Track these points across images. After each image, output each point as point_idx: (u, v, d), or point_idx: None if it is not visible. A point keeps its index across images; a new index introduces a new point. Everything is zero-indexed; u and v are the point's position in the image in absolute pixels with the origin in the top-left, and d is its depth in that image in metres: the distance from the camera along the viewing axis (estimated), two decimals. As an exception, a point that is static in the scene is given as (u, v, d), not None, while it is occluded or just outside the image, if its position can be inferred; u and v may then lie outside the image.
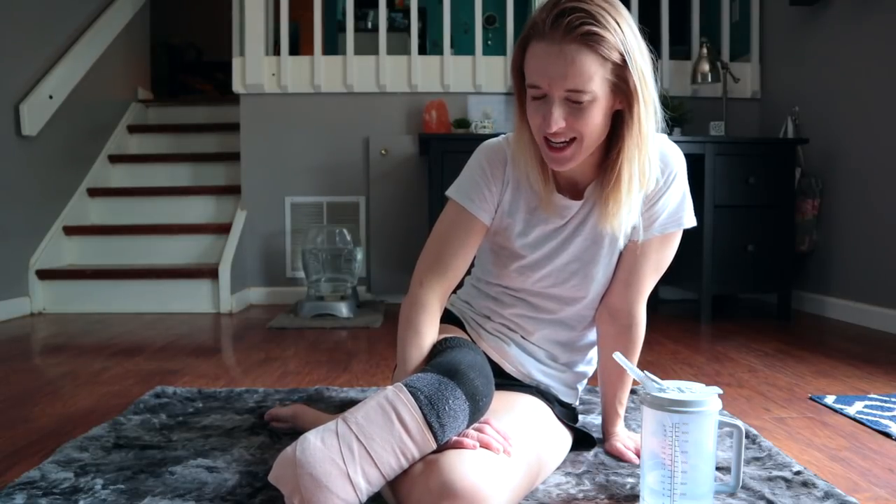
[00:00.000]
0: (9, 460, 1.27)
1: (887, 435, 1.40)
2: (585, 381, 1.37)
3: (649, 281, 1.22)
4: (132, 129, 4.28)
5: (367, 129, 3.56)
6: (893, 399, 1.65)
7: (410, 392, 0.94)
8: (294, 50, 4.39)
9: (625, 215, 1.11)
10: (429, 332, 1.13)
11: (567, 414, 1.27)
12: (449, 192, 1.22)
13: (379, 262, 3.53)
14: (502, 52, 3.91)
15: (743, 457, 1.09)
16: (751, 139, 3.06)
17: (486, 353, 1.25)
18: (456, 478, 0.89)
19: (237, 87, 3.54)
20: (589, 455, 1.26)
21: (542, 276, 1.22)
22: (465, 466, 0.90)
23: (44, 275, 3.21)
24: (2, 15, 3.03)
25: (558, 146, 1.06)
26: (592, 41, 0.99)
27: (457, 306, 1.36)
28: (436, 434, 0.93)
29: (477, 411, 0.98)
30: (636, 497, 1.08)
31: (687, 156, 1.20)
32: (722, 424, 1.03)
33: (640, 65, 1.03)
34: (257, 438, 1.37)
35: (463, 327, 1.31)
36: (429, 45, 5.79)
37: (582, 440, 1.29)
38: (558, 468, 1.19)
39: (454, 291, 1.27)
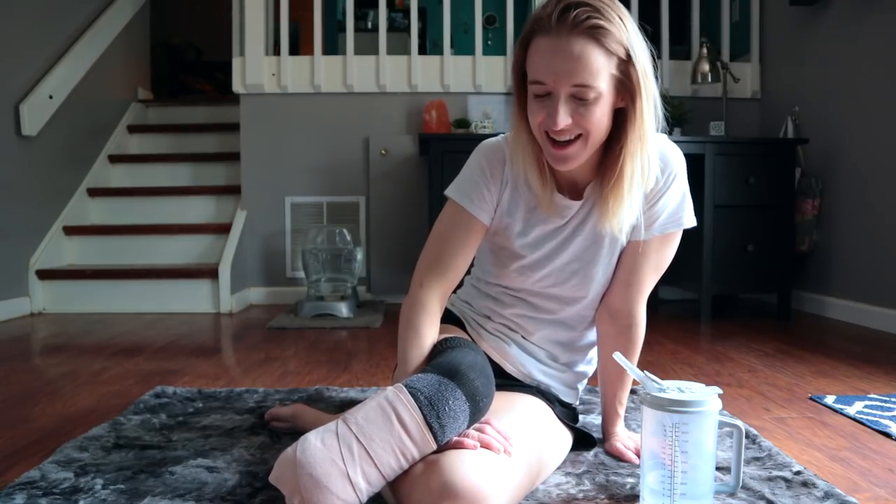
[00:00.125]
0: (9, 460, 1.27)
1: (887, 435, 1.40)
2: (586, 381, 1.37)
3: (649, 281, 1.22)
4: (132, 129, 4.28)
5: (367, 129, 3.56)
6: (893, 399, 1.65)
7: (410, 392, 0.94)
8: (294, 50, 4.39)
9: (626, 213, 1.11)
10: (429, 332, 1.13)
11: (567, 414, 1.27)
12: (448, 192, 1.21)
13: (379, 262, 3.53)
14: (502, 52, 3.91)
15: (743, 457, 1.09)
16: (751, 139, 3.06)
17: (486, 354, 1.25)
18: (456, 478, 0.89)
19: (237, 87, 3.54)
20: (589, 455, 1.26)
21: (543, 276, 1.22)
22: (465, 467, 0.90)
23: (44, 275, 3.21)
24: (2, 15, 3.03)
25: (562, 144, 1.06)
26: (599, 34, 0.99)
27: (457, 306, 1.36)
28: (436, 435, 0.93)
29: (477, 412, 0.98)
30: (636, 497, 1.08)
31: (687, 156, 1.20)
32: (722, 424, 1.03)
33: (642, 60, 1.03)
34: (257, 438, 1.37)
35: (463, 327, 1.31)
36: (429, 45, 5.79)
37: (582, 440, 1.29)
38: (558, 468, 1.19)
39: (454, 291, 1.27)
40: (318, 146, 3.57)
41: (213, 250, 3.51)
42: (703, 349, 2.32)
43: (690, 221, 1.19)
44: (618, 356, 1.07)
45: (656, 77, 1.07)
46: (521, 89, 1.11)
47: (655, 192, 1.15)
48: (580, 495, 1.09)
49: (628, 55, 1.02)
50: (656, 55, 1.08)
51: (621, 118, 1.07)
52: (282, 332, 2.70)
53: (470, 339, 1.25)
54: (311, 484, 0.88)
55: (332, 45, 5.57)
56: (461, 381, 0.97)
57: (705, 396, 0.98)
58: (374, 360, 2.19)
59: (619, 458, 1.25)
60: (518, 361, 1.26)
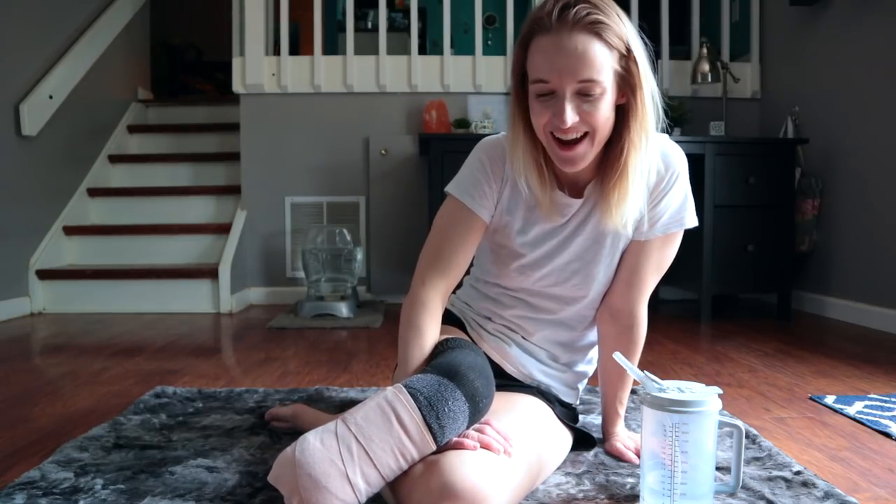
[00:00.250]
0: (9, 460, 1.27)
1: (887, 435, 1.40)
2: (586, 381, 1.37)
3: (651, 280, 1.22)
4: (132, 129, 4.28)
5: (367, 129, 3.56)
6: (893, 399, 1.65)
7: (410, 393, 0.94)
8: (294, 50, 4.39)
9: (630, 207, 1.11)
10: (430, 331, 1.13)
11: (567, 414, 1.27)
12: (448, 189, 1.21)
13: (379, 262, 3.53)
14: (502, 52, 3.91)
15: (743, 457, 1.09)
16: (751, 139, 3.06)
17: (486, 354, 1.25)
18: (456, 479, 0.89)
19: (237, 87, 3.54)
20: (589, 455, 1.26)
21: (543, 275, 1.21)
22: (465, 467, 0.90)
23: (44, 275, 3.21)
24: (2, 15, 3.03)
25: (569, 144, 1.06)
26: (600, 29, 1.01)
27: (457, 306, 1.36)
28: (435, 435, 0.92)
29: (477, 412, 0.98)
30: (636, 497, 1.08)
31: (687, 156, 1.20)
32: (722, 424, 1.03)
33: (641, 54, 1.05)
34: (257, 438, 1.37)
35: (463, 328, 1.31)
36: (429, 45, 5.79)
37: (582, 440, 1.29)
38: (558, 468, 1.19)
39: (453, 291, 1.27)
40: (318, 146, 3.57)
41: (213, 250, 3.51)
42: (703, 349, 2.32)
43: (692, 221, 1.19)
44: (618, 356, 1.07)
45: (654, 72, 1.08)
46: (521, 91, 1.11)
47: (658, 192, 1.15)
48: (580, 495, 1.09)
49: (628, 50, 1.04)
50: (656, 55, 1.08)
51: (622, 115, 1.08)
52: (282, 332, 2.70)
53: (470, 340, 1.24)
54: (310, 484, 0.88)
55: (332, 45, 5.57)
56: (461, 382, 0.97)
57: (705, 396, 0.98)
58: (374, 360, 2.19)
59: (619, 458, 1.25)
60: (518, 362, 1.26)
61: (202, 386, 1.82)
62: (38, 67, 3.32)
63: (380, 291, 3.55)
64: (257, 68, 3.49)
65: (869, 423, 1.46)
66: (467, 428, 0.98)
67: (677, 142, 1.68)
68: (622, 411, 1.32)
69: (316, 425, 1.11)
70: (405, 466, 0.93)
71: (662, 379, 1.04)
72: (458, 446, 0.94)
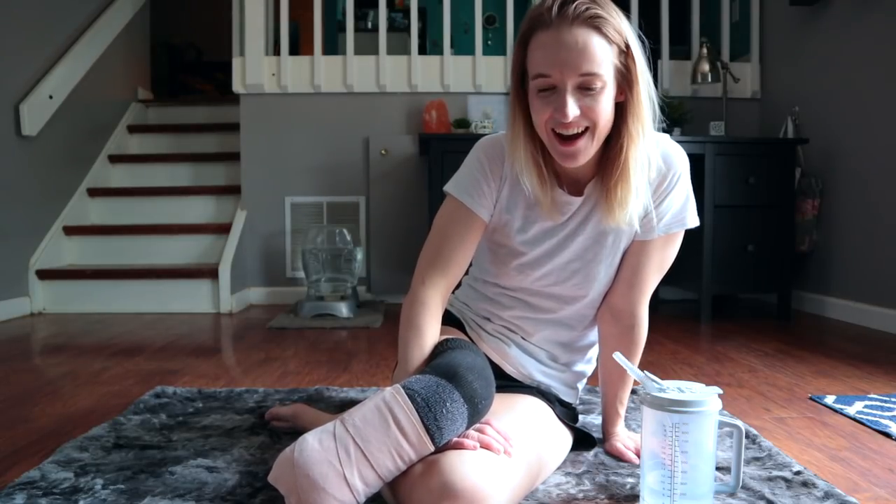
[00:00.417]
0: (9, 460, 1.27)
1: (887, 435, 1.40)
2: (585, 380, 1.37)
3: (652, 280, 1.22)
4: (132, 129, 4.28)
5: (367, 129, 3.56)
6: (893, 399, 1.65)
7: (407, 394, 0.94)
8: (294, 50, 4.39)
9: (633, 202, 1.11)
10: (430, 331, 1.12)
11: (567, 413, 1.27)
12: (447, 188, 1.21)
13: (379, 262, 3.53)
14: (502, 52, 3.91)
15: (743, 457, 1.09)
16: (751, 139, 3.06)
17: (486, 355, 1.25)
18: (457, 479, 0.89)
19: (237, 87, 3.54)
20: (589, 455, 1.26)
21: (543, 274, 1.21)
22: (465, 467, 0.90)
23: (44, 275, 3.21)
24: (2, 15, 3.03)
25: (570, 140, 1.06)
26: (599, 23, 1.02)
27: (455, 307, 1.35)
28: (433, 436, 0.92)
29: (476, 414, 0.98)
30: (636, 497, 1.08)
31: (687, 156, 1.20)
32: (722, 424, 1.03)
33: (639, 49, 1.07)
34: (257, 438, 1.37)
35: (463, 328, 1.31)
36: (429, 45, 5.79)
37: (582, 440, 1.29)
38: (558, 468, 1.19)
39: (452, 291, 1.27)
40: (318, 146, 3.57)
41: (213, 250, 3.51)
42: (703, 349, 2.32)
43: (694, 221, 1.19)
44: (618, 356, 1.07)
45: (648, 66, 1.09)
46: (521, 90, 1.11)
47: (661, 192, 1.16)
48: (580, 495, 1.09)
49: (627, 45, 1.05)
50: (657, 55, 1.09)
51: (620, 111, 1.09)
52: (282, 332, 2.70)
53: (470, 341, 1.24)
54: (308, 485, 0.88)
55: (332, 45, 5.57)
56: (459, 384, 0.96)
57: (705, 396, 0.98)
58: (374, 360, 2.19)
59: (619, 458, 1.25)
60: (518, 362, 1.25)
61: (202, 386, 1.82)
62: (38, 67, 3.32)
63: (380, 291, 3.55)
64: (257, 68, 3.50)
65: (869, 423, 1.46)
66: (467, 429, 0.98)
67: (677, 142, 1.68)
68: (622, 411, 1.31)
69: (316, 425, 1.11)
70: (403, 467, 0.93)
71: (662, 379, 1.04)
72: (458, 446, 0.94)
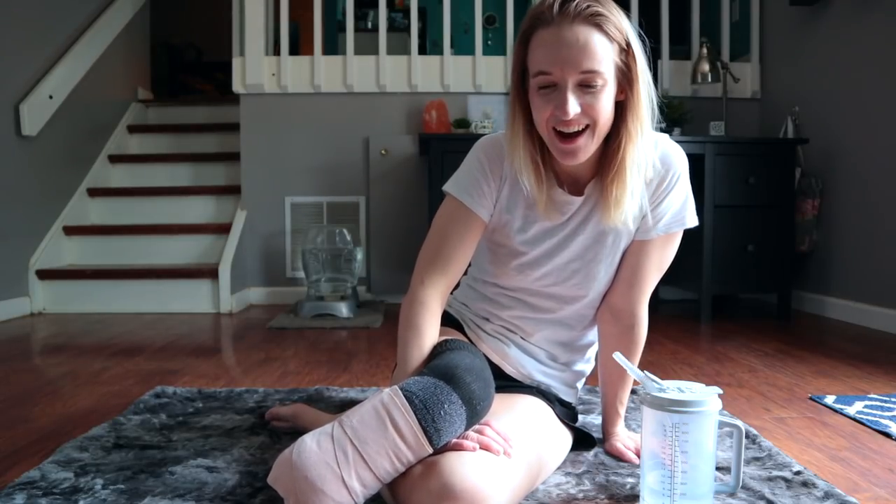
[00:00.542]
0: (9, 460, 1.27)
1: (887, 435, 1.40)
2: (584, 380, 1.37)
3: (652, 280, 1.22)
4: (132, 129, 4.28)
5: (367, 129, 3.56)
6: (893, 399, 1.65)
7: (405, 396, 0.94)
8: (294, 50, 4.39)
9: (629, 202, 1.11)
10: (430, 331, 1.12)
11: (567, 413, 1.27)
12: (446, 188, 1.21)
13: (379, 262, 3.53)
14: (502, 52, 3.91)
15: (743, 457, 1.09)
16: (751, 139, 3.06)
17: (485, 355, 1.25)
18: (456, 479, 0.89)
19: (237, 87, 3.54)
20: (589, 455, 1.26)
21: (543, 273, 1.21)
22: (465, 468, 0.90)
23: (44, 275, 3.21)
24: (2, 14, 3.03)
25: (570, 137, 1.06)
26: (601, 21, 1.03)
27: (454, 307, 1.35)
28: (431, 438, 0.92)
29: (474, 415, 0.97)
30: (636, 497, 1.08)
31: (687, 156, 1.20)
32: (722, 424, 1.03)
33: (639, 49, 1.07)
34: (257, 438, 1.37)
35: (462, 329, 1.31)
36: (429, 45, 5.79)
37: (582, 440, 1.29)
38: (558, 468, 1.19)
39: (451, 292, 1.27)
40: (318, 146, 3.57)
41: (213, 250, 3.51)
42: (703, 349, 2.32)
43: (693, 221, 1.19)
44: (618, 356, 1.07)
45: (648, 65, 1.09)
46: (521, 89, 1.11)
47: (660, 192, 1.16)
48: (580, 495, 1.09)
49: (627, 43, 1.05)
50: (657, 55, 1.09)
51: (620, 110, 1.09)
52: (282, 332, 2.70)
53: (469, 341, 1.24)
54: (306, 486, 0.88)
55: (332, 45, 5.57)
56: (457, 385, 0.96)
57: (705, 396, 0.98)
58: (374, 360, 2.19)
59: (619, 458, 1.25)
60: (517, 362, 1.25)
61: (202, 386, 1.82)
62: (38, 67, 3.32)
63: (380, 291, 3.55)
64: (257, 68, 3.49)
65: (869, 423, 1.46)
66: (465, 430, 0.98)
67: (677, 142, 1.68)
68: (622, 411, 1.31)
69: (316, 425, 1.11)
70: (401, 469, 0.93)
71: (662, 379, 1.04)
72: (458, 447, 0.94)
